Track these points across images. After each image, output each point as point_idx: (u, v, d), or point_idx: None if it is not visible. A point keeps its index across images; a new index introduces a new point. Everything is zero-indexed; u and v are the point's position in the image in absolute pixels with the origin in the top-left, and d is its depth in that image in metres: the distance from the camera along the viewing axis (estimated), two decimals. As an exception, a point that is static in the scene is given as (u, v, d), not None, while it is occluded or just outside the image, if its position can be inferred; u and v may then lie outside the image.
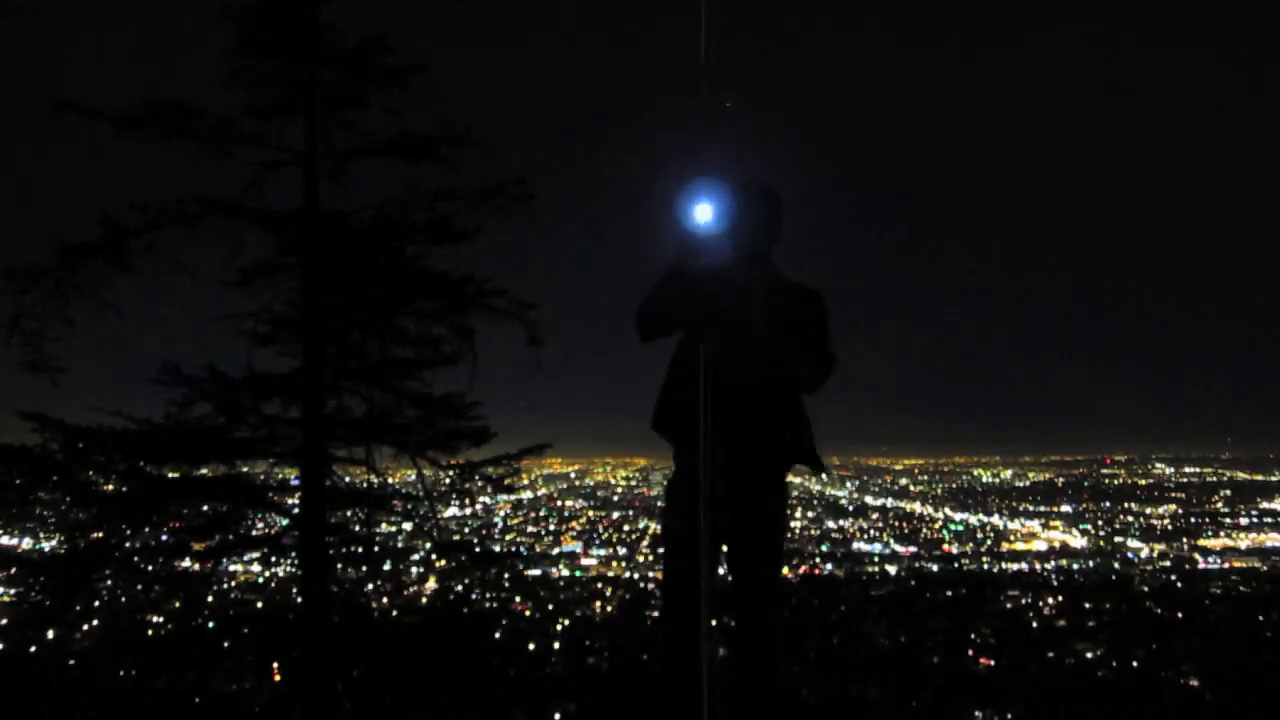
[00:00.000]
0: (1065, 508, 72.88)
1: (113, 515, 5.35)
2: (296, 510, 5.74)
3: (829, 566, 48.62)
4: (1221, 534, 62.04)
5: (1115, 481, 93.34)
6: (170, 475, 5.52)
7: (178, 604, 6.16)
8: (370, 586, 6.62)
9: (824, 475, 2.50)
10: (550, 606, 29.02)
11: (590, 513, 64.28)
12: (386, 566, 6.75)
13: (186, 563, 5.72)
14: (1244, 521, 66.16)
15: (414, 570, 7.16)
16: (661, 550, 2.55)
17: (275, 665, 6.44)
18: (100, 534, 5.35)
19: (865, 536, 59.92)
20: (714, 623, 2.38)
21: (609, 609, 30.89)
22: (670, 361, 2.53)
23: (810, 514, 68.14)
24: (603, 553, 51.09)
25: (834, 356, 2.44)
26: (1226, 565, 50.87)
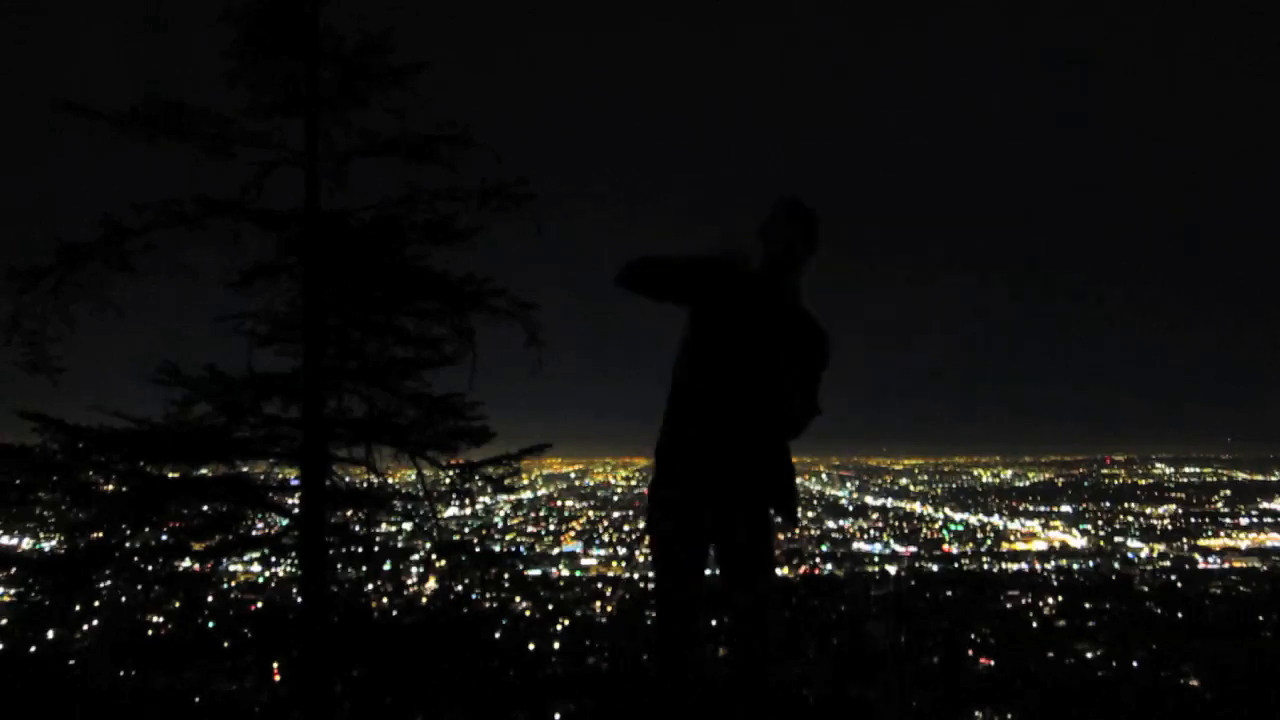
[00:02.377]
0: (1065, 508, 72.90)
1: (113, 515, 5.34)
2: (296, 510, 5.74)
3: (829, 566, 48.64)
4: (1221, 534, 62.05)
5: (1115, 481, 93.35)
6: (170, 475, 5.52)
7: (178, 604, 6.15)
8: (370, 586, 6.61)
9: (792, 530, 2.52)
10: (550, 606, 29.02)
11: (590, 513, 64.28)
12: (386, 566, 6.75)
13: (186, 563, 5.72)
14: (1244, 521, 66.17)
15: (414, 570, 7.15)
16: (651, 552, 2.54)
17: (275, 665, 6.44)
18: (100, 534, 5.35)
19: (865, 536, 59.93)
20: (714, 623, 2.39)
21: (609, 609, 30.88)
22: (670, 394, 2.49)
23: (810, 514, 68.14)
24: (603, 553, 51.08)
25: (819, 410, 2.43)
26: (1226, 565, 50.88)
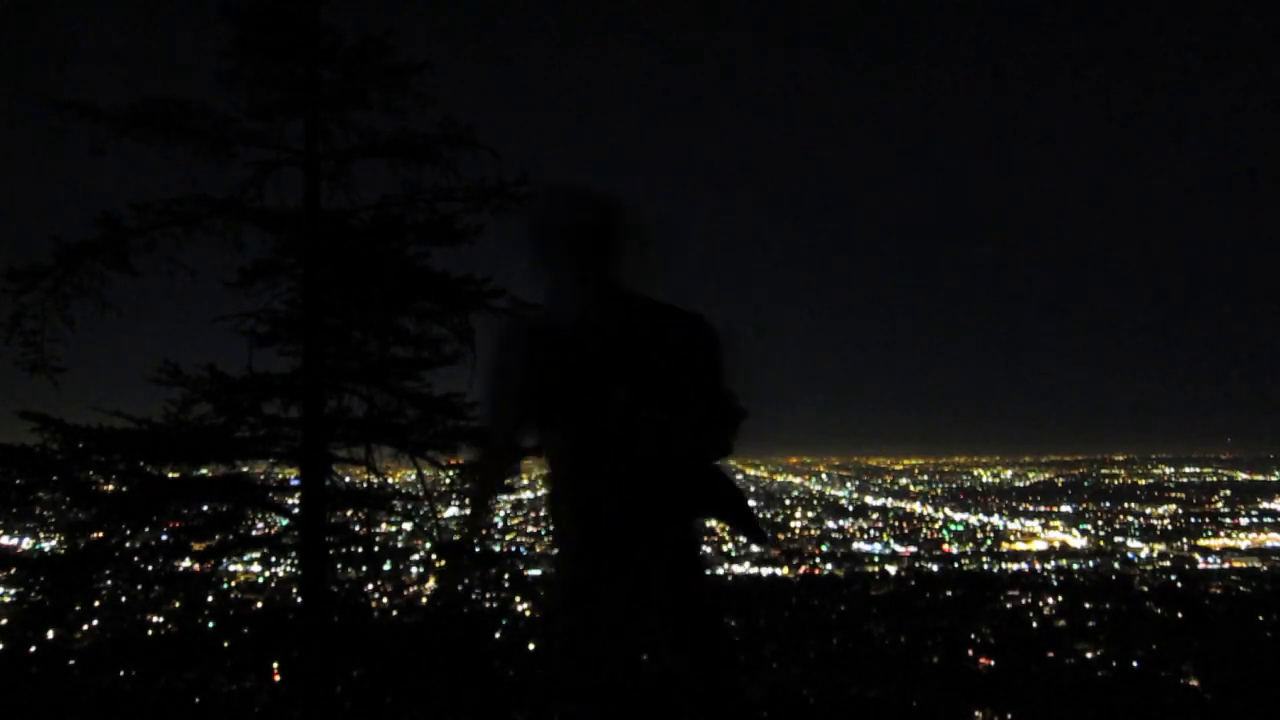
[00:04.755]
0: (1065, 508, 72.98)
1: (113, 515, 5.34)
2: (296, 510, 5.74)
3: (829, 566, 48.65)
4: (1221, 534, 62.11)
5: (1115, 481, 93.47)
6: (170, 475, 5.52)
7: (178, 604, 6.15)
8: (370, 586, 6.61)
9: (762, 545, 1.90)
10: (550, 606, 29.00)
11: (590, 513, 64.26)
12: (386, 566, 6.75)
13: (186, 563, 5.72)
14: (1244, 521, 66.24)
15: (414, 570, 7.15)
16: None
17: (275, 665, 6.44)
18: (100, 534, 5.35)
19: (865, 536, 59.97)
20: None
21: (609, 609, 30.84)
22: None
23: (810, 514, 68.19)
24: (603, 553, 51.01)
25: (737, 407, 1.76)
26: (1226, 565, 50.91)
